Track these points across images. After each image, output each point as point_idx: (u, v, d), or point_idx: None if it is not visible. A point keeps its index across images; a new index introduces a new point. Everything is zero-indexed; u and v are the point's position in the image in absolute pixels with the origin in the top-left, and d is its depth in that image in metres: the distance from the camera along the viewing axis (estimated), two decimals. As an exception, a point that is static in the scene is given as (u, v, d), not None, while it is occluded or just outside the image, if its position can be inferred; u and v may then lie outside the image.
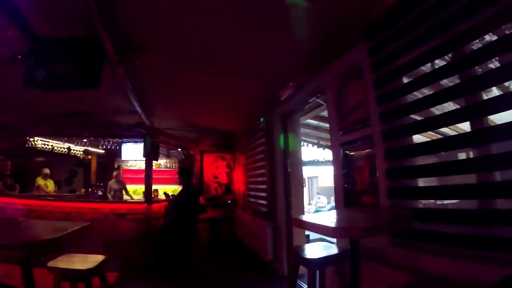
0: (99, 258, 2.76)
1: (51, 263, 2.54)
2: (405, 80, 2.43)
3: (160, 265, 5.25)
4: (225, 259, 6.10)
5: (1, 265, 3.60)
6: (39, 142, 8.12)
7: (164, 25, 3.10)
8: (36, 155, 12.00)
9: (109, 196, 7.74)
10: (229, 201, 7.76)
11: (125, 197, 8.02)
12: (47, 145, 8.43)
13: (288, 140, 5.06)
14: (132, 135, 6.81)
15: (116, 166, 11.38)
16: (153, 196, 6.83)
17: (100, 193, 7.69)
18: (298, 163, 5.07)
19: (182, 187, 5.71)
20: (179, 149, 8.45)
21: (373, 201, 2.61)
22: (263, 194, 5.65)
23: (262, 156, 5.73)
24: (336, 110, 3.34)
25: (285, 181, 5.00)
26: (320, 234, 1.94)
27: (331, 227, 1.77)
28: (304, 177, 6.69)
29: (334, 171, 3.33)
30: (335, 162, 3.31)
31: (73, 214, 5.56)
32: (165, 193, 6.12)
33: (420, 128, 2.30)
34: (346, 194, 3.07)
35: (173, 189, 11.29)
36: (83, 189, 9.48)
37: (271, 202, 5.22)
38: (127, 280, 4.70)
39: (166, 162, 11.49)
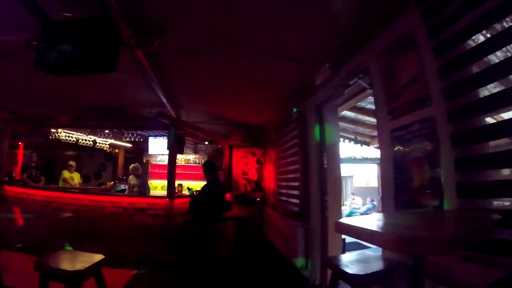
0: (96, 257, 2.41)
1: (40, 260, 2.24)
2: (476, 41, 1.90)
3: (180, 265, 4.89)
4: (252, 262, 5.68)
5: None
6: (63, 134, 8.06)
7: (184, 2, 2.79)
8: (66, 148, 12.30)
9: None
10: (258, 199, 7.32)
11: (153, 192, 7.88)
12: (71, 137, 8.39)
13: (324, 132, 4.55)
14: (155, 127, 6.56)
15: (144, 161, 11.35)
16: (176, 191, 6.60)
17: (122, 186, 7.57)
18: (336, 158, 4.55)
19: (206, 182, 5.33)
20: (207, 143, 8.10)
21: (435, 201, 2.08)
22: (295, 192, 5.18)
23: (295, 151, 5.26)
24: (384, 90, 2.83)
25: (321, 178, 4.48)
26: (374, 244, 1.39)
27: (393, 236, 1.23)
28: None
29: (382, 164, 2.80)
30: (383, 153, 2.78)
31: (91, 207, 5.41)
32: (188, 188, 5.78)
33: (502, 102, 1.76)
34: (398, 193, 2.54)
35: (201, 185, 11.07)
36: (109, 183, 9.47)
37: (303, 201, 4.71)
38: (143, 279, 4.44)
39: (195, 158, 11.27)
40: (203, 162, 5.53)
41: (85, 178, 12.54)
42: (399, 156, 2.57)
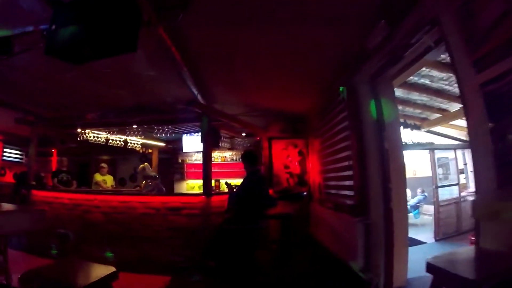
0: (104, 270, 1.96)
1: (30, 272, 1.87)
2: None
3: (219, 270, 4.44)
4: (299, 264, 5.13)
5: None
6: (91, 134, 7.91)
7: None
8: (100, 153, 12.43)
9: None
10: (305, 193, 6.80)
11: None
12: (100, 137, 8.22)
13: (381, 108, 3.95)
14: (187, 119, 6.19)
15: (180, 161, 11.17)
16: (213, 188, 6.25)
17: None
18: (397, 138, 3.93)
19: (246, 176, 4.80)
20: (244, 134, 7.61)
21: None
22: (348, 183, 4.56)
23: (345, 135, 4.66)
24: (462, 38, 2.24)
25: (381, 163, 3.86)
26: None
27: None
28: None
29: (471, 133, 2.21)
30: (471, 116, 2.19)
31: (121, 208, 5.15)
32: (226, 184, 5.29)
33: None
34: (500, 166, 1.95)
35: (238, 183, 10.70)
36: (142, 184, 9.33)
37: (360, 193, 4.09)
38: (178, 287, 4.12)
39: (231, 154, 10.88)
40: (242, 153, 5.07)
41: (120, 182, 12.62)
42: (498, 118, 1.97)
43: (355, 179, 4.26)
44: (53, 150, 10.66)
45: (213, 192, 5.52)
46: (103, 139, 8.26)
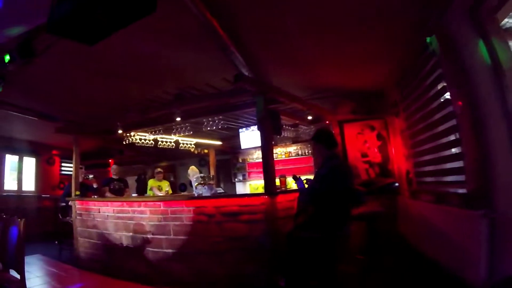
0: None
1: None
2: None
3: (291, 290, 3.61)
4: (391, 277, 4.02)
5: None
6: (136, 137, 7.44)
7: None
8: (158, 160, 12.38)
9: None
10: (396, 184, 5.58)
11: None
12: (146, 139, 7.68)
13: (495, 50, 2.86)
14: (238, 105, 5.46)
15: (240, 160, 10.60)
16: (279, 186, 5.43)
17: (206, 189, 6.57)
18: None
19: (322, 163, 3.66)
20: (310, 118, 6.62)
21: None
22: (457, 165, 3.49)
23: (445, 100, 3.60)
24: None
25: (510, 128, 2.80)
26: None
27: None
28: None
29: None
30: None
31: (169, 214, 4.54)
32: (295, 177, 4.23)
33: None
34: None
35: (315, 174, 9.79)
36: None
37: (479, 175, 3.00)
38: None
39: (296, 149, 10.05)
40: (314, 133, 4.00)
41: (181, 187, 12.41)
42: None
43: (468, 157, 3.16)
44: (110, 160, 10.78)
45: (278, 191, 4.64)
46: (151, 141, 7.75)
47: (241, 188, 10.70)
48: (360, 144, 6.48)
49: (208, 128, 6.13)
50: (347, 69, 5.12)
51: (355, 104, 6.46)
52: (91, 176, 7.84)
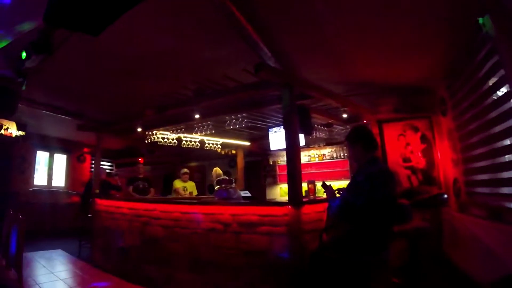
0: None
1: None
2: None
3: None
4: None
5: None
6: (158, 135, 7.11)
7: None
8: (188, 160, 12.25)
9: None
10: (445, 196, 4.75)
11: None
12: (168, 138, 7.36)
13: None
14: (263, 101, 5.03)
15: (271, 163, 10.13)
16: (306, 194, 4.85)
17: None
18: None
19: (359, 169, 3.01)
20: (345, 116, 5.99)
21: None
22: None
23: (503, 94, 2.99)
24: None
25: None
26: None
27: None
28: None
29: None
30: None
31: (183, 220, 4.13)
32: (324, 186, 3.53)
33: None
34: None
35: (343, 185, 9.19)
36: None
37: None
38: None
39: (331, 151, 9.33)
40: (349, 132, 3.30)
41: (209, 189, 12.12)
42: None
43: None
44: (139, 159, 10.75)
45: (305, 200, 3.95)
46: (174, 140, 7.40)
47: (272, 191, 10.14)
48: (401, 147, 5.78)
49: (231, 127, 5.67)
50: (388, 62, 4.52)
51: (396, 101, 5.79)
52: (114, 172, 7.76)
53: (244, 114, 5.63)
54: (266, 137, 7.97)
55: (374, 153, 3.00)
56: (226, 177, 5.41)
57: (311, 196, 4.68)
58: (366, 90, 5.44)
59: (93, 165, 11.01)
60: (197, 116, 5.46)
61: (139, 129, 6.36)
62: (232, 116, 5.67)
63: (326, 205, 3.76)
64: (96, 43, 2.53)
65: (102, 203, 5.75)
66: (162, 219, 4.39)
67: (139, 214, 4.78)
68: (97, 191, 6.53)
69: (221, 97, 4.80)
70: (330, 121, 6.37)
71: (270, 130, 7.60)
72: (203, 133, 6.51)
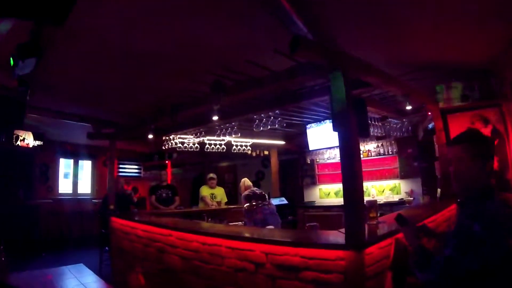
0: None
1: None
2: None
3: None
4: None
5: None
6: (177, 140, 6.25)
7: None
8: (218, 160, 11.58)
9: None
10: None
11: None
12: (190, 143, 6.43)
13: None
14: (304, 93, 4.09)
15: (308, 161, 9.18)
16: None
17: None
18: None
19: (468, 202, 1.79)
20: (409, 108, 4.90)
21: None
22: None
23: None
24: None
25: None
26: None
27: None
28: None
29: None
30: None
31: (204, 253, 3.22)
32: (399, 219, 2.15)
33: None
34: None
35: (391, 186, 8.20)
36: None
37: None
38: None
39: (377, 147, 8.04)
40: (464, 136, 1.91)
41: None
42: None
43: None
44: (166, 162, 10.25)
45: (369, 238, 2.60)
46: (196, 145, 6.44)
47: (310, 193, 9.17)
48: (471, 143, 4.77)
49: (261, 128, 4.86)
50: (458, 33, 3.60)
51: (462, 86, 4.79)
52: (123, 184, 7.16)
53: (276, 112, 4.66)
54: (302, 135, 7.17)
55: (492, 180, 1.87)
56: (257, 190, 4.60)
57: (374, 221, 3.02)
58: (428, 74, 4.50)
59: (120, 169, 10.66)
60: (215, 118, 4.52)
61: (150, 136, 5.58)
62: (262, 115, 4.62)
63: (393, 240, 2.61)
64: (98, 39, 2.50)
65: (117, 221, 5.10)
66: (179, 248, 3.46)
67: (154, 239, 3.93)
68: (112, 206, 5.81)
69: (247, 91, 3.93)
70: (385, 113, 5.39)
71: (308, 126, 6.74)
72: (226, 136, 5.62)
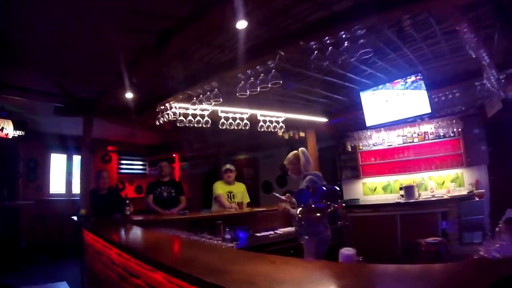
0: None
1: None
2: None
3: None
4: None
5: None
6: (178, 110, 4.25)
7: None
8: (234, 152, 10.05)
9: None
10: None
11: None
12: (196, 115, 4.35)
13: None
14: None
15: (349, 148, 7.38)
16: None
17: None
18: None
19: None
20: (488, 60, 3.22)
21: None
22: None
23: None
24: None
25: None
26: None
27: None
28: None
29: None
30: None
31: None
32: None
33: None
34: None
35: (452, 177, 6.37)
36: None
37: None
38: None
39: (436, 127, 6.24)
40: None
41: (264, 187, 9.53)
42: None
43: None
44: (174, 155, 8.78)
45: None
46: (205, 118, 4.36)
47: (351, 188, 7.43)
48: None
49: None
50: None
51: None
52: (107, 178, 5.25)
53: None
54: (349, 108, 5.61)
55: None
56: (317, 172, 3.06)
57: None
58: None
59: (120, 165, 9.24)
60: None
61: (129, 95, 3.90)
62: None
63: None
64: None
65: (90, 234, 3.47)
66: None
67: (129, 270, 2.17)
68: (83, 211, 4.29)
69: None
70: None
71: (363, 91, 5.15)
72: (258, 88, 3.15)
